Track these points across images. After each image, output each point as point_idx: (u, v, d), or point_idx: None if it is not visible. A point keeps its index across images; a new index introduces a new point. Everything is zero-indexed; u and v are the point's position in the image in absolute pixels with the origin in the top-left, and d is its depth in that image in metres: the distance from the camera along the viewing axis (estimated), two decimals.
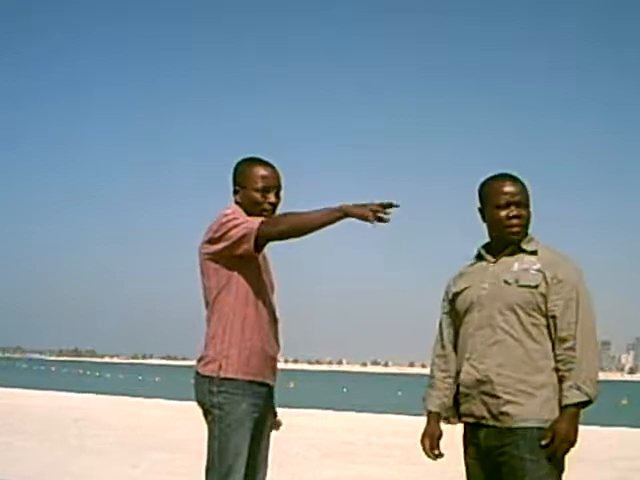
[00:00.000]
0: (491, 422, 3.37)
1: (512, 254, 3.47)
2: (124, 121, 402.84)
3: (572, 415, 3.30)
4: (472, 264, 3.61)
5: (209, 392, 3.59)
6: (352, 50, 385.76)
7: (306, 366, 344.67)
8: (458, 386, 3.51)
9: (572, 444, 3.30)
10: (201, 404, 3.65)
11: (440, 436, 3.60)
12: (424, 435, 3.61)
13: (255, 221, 3.50)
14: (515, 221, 3.46)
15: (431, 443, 3.58)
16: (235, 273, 3.59)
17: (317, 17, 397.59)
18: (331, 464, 10.51)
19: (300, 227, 3.44)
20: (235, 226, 3.51)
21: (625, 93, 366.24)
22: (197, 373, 3.67)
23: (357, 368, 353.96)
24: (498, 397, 3.34)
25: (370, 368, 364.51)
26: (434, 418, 3.61)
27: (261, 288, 3.65)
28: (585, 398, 3.29)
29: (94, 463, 9.53)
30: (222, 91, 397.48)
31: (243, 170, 3.72)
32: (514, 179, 3.51)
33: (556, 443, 3.26)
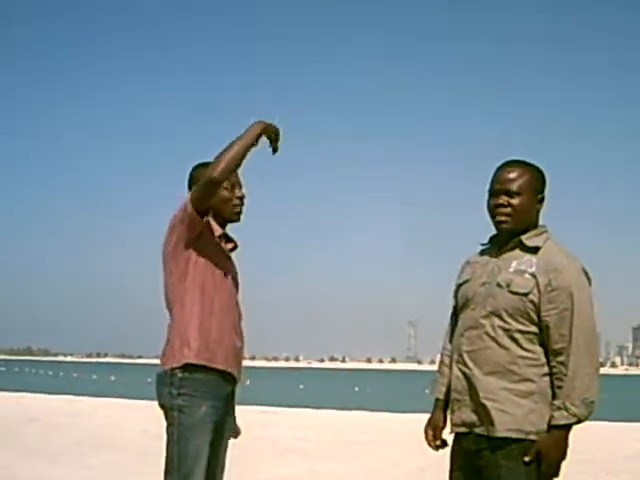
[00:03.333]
0: (478, 430, 3.25)
1: (513, 249, 3.29)
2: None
3: (558, 437, 3.15)
4: (482, 252, 3.43)
5: (169, 394, 3.54)
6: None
7: (263, 363, 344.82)
8: (450, 390, 3.41)
9: (558, 464, 3.17)
10: (161, 405, 3.60)
11: (444, 426, 3.49)
12: (428, 424, 3.51)
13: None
14: (500, 209, 3.28)
15: (434, 433, 3.49)
16: (193, 265, 3.57)
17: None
18: (288, 461, 10.51)
19: (229, 161, 3.44)
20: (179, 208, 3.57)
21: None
22: (160, 370, 3.62)
23: (314, 364, 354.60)
24: (483, 405, 3.22)
25: (327, 364, 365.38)
26: (440, 406, 3.49)
27: (221, 281, 3.63)
28: (573, 420, 3.15)
29: (46, 465, 9.37)
30: None
31: (203, 174, 3.64)
32: (515, 166, 3.30)
33: (544, 466, 3.14)
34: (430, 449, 3.56)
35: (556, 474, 3.19)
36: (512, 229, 3.28)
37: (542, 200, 3.33)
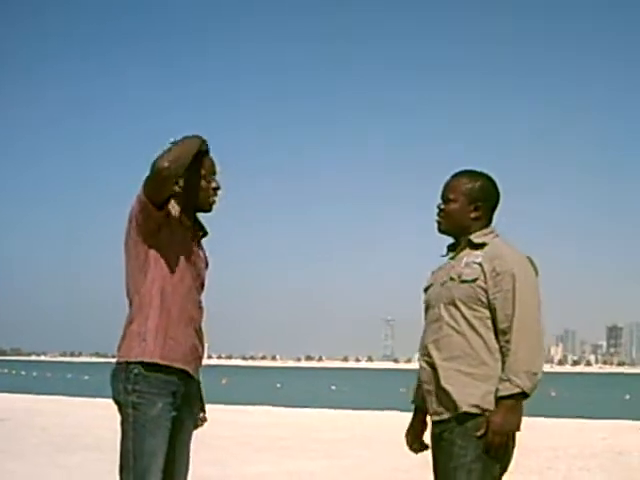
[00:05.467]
0: (445, 415, 3.41)
1: (464, 249, 3.55)
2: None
3: (505, 407, 3.29)
4: (448, 258, 3.68)
5: (124, 390, 3.48)
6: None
7: (239, 362, 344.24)
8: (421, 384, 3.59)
9: (508, 436, 3.31)
10: (115, 401, 3.55)
11: (423, 430, 3.67)
12: (408, 430, 3.70)
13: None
14: (437, 212, 3.62)
15: (412, 439, 3.68)
16: (153, 260, 3.54)
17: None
18: (264, 459, 10.51)
19: (180, 154, 3.43)
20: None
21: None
22: (115, 366, 3.57)
23: (291, 363, 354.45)
24: (444, 389, 3.39)
25: (304, 363, 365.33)
26: (418, 411, 3.67)
27: (183, 276, 3.59)
28: (516, 390, 3.29)
29: (16, 465, 9.28)
30: None
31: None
32: (461, 175, 3.61)
33: (489, 435, 3.28)
34: (410, 451, 3.70)
35: (505, 446, 3.32)
36: (444, 231, 3.63)
37: (478, 208, 3.56)
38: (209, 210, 3.71)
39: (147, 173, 3.43)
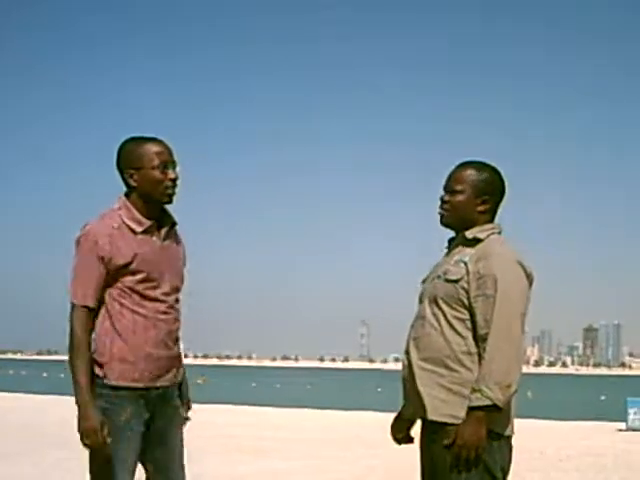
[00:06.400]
0: (419, 415, 3.29)
1: (458, 245, 3.39)
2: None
3: (474, 419, 3.13)
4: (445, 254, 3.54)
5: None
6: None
7: (215, 361, 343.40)
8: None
9: (474, 449, 3.14)
10: None
11: (409, 424, 3.51)
12: (395, 419, 3.54)
13: (85, 296, 3.34)
14: (441, 205, 3.42)
15: (397, 430, 3.52)
16: (116, 280, 3.38)
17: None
18: (239, 459, 10.48)
19: (70, 355, 3.34)
20: (77, 271, 3.39)
21: None
22: None
23: (267, 363, 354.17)
24: (418, 392, 3.26)
25: (280, 363, 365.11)
26: (404, 409, 3.51)
27: (151, 285, 3.43)
28: (486, 402, 3.11)
29: None
30: None
31: (132, 150, 3.44)
32: (466, 166, 3.41)
33: (455, 448, 3.15)
34: (393, 443, 3.57)
35: (474, 459, 3.15)
36: (447, 224, 3.43)
37: (486, 202, 3.40)
38: (168, 202, 3.49)
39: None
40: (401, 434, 3.51)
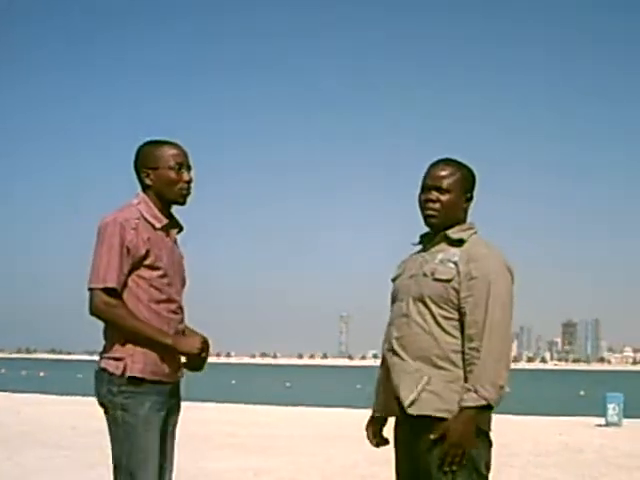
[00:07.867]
0: (408, 410, 3.24)
1: (440, 243, 3.38)
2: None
3: (466, 418, 3.15)
4: (417, 251, 3.50)
5: (109, 392, 3.41)
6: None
7: None
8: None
9: (465, 448, 3.16)
10: (101, 404, 3.47)
11: (382, 425, 3.52)
12: (369, 422, 3.54)
13: (105, 277, 3.39)
14: (430, 205, 3.37)
15: (370, 434, 3.52)
16: (134, 272, 3.45)
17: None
18: (219, 456, 10.50)
19: (122, 327, 3.41)
20: (99, 255, 3.43)
21: None
22: (99, 368, 3.48)
23: (246, 360, 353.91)
24: (405, 388, 3.26)
25: (259, 360, 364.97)
26: (380, 407, 3.49)
27: (166, 281, 3.53)
28: (482, 402, 3.15)
29: None
30: None
31: (150, 152, 3.59)
32: (448, 164, 3.40)
33: (445, 446, 3.16)
34: (371, 445, 3.56)
35: (461, 456, 3.17)
36: (439, 224, 3.39)
37: (470, 199, 3.44)
38: (182, 203, 3.63)
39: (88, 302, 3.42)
40: (376, 439, 3.51)
